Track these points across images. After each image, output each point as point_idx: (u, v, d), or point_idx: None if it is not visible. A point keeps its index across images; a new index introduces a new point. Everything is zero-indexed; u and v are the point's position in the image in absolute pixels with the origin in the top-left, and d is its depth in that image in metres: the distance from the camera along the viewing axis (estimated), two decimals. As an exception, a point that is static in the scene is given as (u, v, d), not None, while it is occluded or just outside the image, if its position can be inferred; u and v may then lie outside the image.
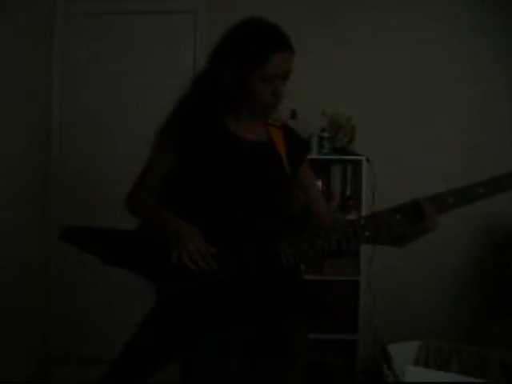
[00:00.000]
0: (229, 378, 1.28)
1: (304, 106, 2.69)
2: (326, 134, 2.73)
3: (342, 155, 2.73)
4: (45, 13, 3.03)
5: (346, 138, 2.74)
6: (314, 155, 2.66)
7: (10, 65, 3.07)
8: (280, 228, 1.27)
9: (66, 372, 2.92)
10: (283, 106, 1.40)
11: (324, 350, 2.81)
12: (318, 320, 1.33)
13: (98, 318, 3.03)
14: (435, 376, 2.04)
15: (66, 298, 3.06)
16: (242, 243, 1.25)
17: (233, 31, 1.34)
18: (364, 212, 2.68)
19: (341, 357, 2.83)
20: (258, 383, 1.36)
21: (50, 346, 3.04)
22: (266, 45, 1.27)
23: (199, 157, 1.34)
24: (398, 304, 2.87)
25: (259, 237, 1.26)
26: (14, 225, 3.02)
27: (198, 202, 1.33)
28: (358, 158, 2.72)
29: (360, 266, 2.70)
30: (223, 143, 1.36)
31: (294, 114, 2.70)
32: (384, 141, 2.88)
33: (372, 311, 2.79)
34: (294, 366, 1.40)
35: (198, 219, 1.27)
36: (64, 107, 3.08)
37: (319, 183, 2.70)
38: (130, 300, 2.60)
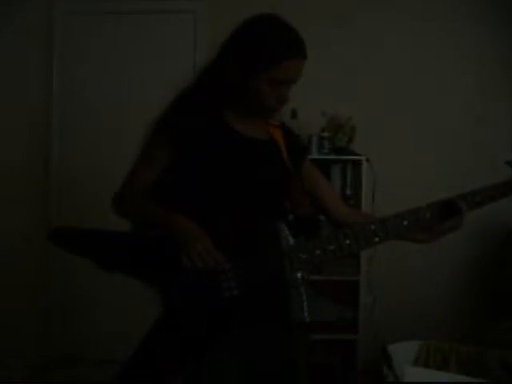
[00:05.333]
0: (229, 379, 1.27)
1: (304, 106, 2.69)
2: (325, 134, 2.73)
3: (342, 155, 2.73)
4: (45, 13, 3.03)
5: (346, 138, 2.74)
6: (314, 155, 2.66)
7: (10, 65, 3.07)
8: (287, 230, 1.27)
9: (65, 372, 2.91)
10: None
11: (324, 350, 2.81)
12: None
13: (98, 319, 3.03)
14: (435, 376, 2.04)
15: (65, 298, 3.06)
16: (249, 245, 1.24)
17: (249, 27, 1.29)
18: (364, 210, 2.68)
19: (341, 357, 2.83)
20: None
21: (50, 346, 3.04)
22: (282, 49, 1.23)
23: (199, 152, 1.29)
24: (398, 304, 2.87)
25: (263, 238, 1.25)
26: (14, 225, 3.03)
27: (198, 201, 1.29)
28: (358, 158, 2.72)
29: (360, 266, 2.70)
30: (225, 139, 1.31)
31: (294, 114, 2.70)
32: (384, 141, 2.88)
33: (372, 311, 2.79)
34: (294, 367, 1.40)
35: (199, 219, 1.23)
36: (64, 107, 3.07)
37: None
38: (130, 301, 2.60)
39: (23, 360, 2.89)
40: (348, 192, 2.80)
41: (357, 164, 2.75)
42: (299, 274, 1.25)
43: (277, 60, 1.23)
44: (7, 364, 2.75)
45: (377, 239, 1.25)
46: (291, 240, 1.26)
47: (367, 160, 2.71)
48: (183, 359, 1.25)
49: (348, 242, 1.24)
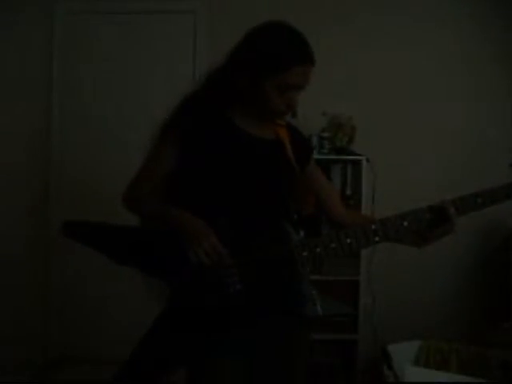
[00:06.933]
0: (229, 379, 1.28)
1: (304, 106, 2.68)
2: (326, 134, 2.73)
3: (342, 155, 2.73)
4: (45, 13, 3.03)
5: (346, 138, 2.74)
6: (314, 155, 2.66)
7: (10, 65, 3.07)
8: (291, 229, 1.29)
9: (66, 372, 2.91)
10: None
11: (324, 350, 2.81)
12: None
13: (98, 319, 3.03)
14: (435, 376, 2.04)
15: (66, 298, 3.06)
16: (254, 243, 1.26)
17: (258, 34, 1.31)
18: (363, 211, 2.68)
19: (341, 357, 2.83)
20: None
21: (50, 346, 3.04)
22: (291, 55, 1.26)
23: (206, 151, 1.31)
24: (398, 304, 2.87)
25: (270, 236, 1.27)
26: (14, 225, 3.02)
27: (206, 200, 1.31)
28: (358, 158, 2.72)
29: (360, 266, 2.69)
30: (232, 138, 1.34)
31: (294, 114, 2.69)
32: (384, 141, 2.88)
33: (372, 311, 2.79)
34: (294, 367, 1.40)
35: (207, 217, 1.25)
36: (64, 107, 3.07)
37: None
38: (131, 301, 2.61)
39: (24, 360, 2.89)
40: (348, 192, 2.80)
41: (357, 164, 2.75)
42: (308, 269, 1.27)
43: (286, 66, 1.25)
44: (8, 364, 2.75)
45: (377, 238, 1.27)
46: (295, 238, 1.27)
47: (367, 160, 2.71)
48: (183, 357, 1.26)
49: (349, 240, 1.26)
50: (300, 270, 1.26)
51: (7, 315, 2.94)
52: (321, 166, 1.58)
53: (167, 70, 2.99)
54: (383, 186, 2.71)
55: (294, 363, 1.39)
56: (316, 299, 1.28)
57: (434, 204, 1.29)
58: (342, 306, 2.75)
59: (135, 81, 3.05)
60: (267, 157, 1.36)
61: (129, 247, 1.31)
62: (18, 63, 3.06)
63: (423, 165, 2.90)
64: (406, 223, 1.28)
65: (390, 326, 2.75)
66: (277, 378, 1.36)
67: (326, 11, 2.94)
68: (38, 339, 3.02)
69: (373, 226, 1.27)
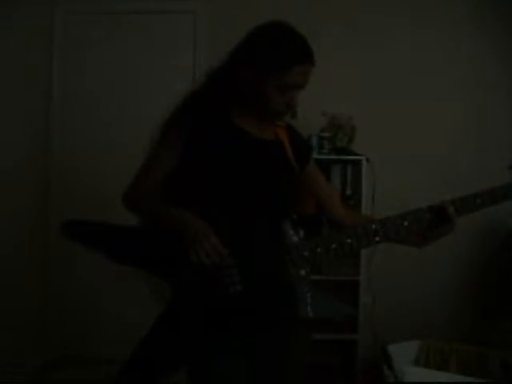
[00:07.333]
0: (229, 378, 1.28)
1: (304, 106, 2.68)
2: (326, 134, 2.73)
3: (342, 155, 2.73)
4: (45, 13, 3.03)
5: (346, 138, 2.74)
6: (314, 155, 2.66)
7: (10, 65, 3.07)
8: (291, 229, 1.29)
9: (66, 372, 2.91)
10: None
11: (324, 350, 2.81)
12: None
13: (98, 319, 3.03)
14: (435, 376, 2.04)
15: (65, 298, 3.06)
16: (253, 243, 1.26)
17: (259, 33, 1.32)
18: (363, 211, 2.68)
19: (341, 357, 2.83)
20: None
21: (50, 347, 3.04)
22: (290, 56, 1.27)
23: (207, 151, 1.31)
24: (397, 304, 2.87)
25: (270, 236, 1.27)
26: (14, 225, 3.03)
27: (207, 200, 1.31)
28: (358, 158, 2.72)
29: (360, 265, 2.70)
30: (233, 139, 1.34)
31: (294, 114, 2.69)
32: (384, 141, 2.88)
33: (372, 311, 2.79)
34: (293, 366, 1.40)
35: (208, 217, 1.25)
36: (64, 108, 3.07)
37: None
38: (130, 301, 2.61)
39: (23, 360, 2.89)
40: (348, 192, 2.80)
41: (357, 164, 2.75)
42: (303, 271, 1.26)
43: (286, 66, 1.26)
44: (7, 364, 2.75)
45: (377, 238, 1.28)
46: (295, 238, 1.28)
47: (367, 160, 2.71)
48: (183, 357, 1.27)
49: (349, 240, 1.27)
50: (299, 270, 1.27)
51: (7, 315, 2.94)
52: (321, 166, 1.58)
53: (167, 70, 2.99)
54: (383, 186, 2.71)
55: (293, 363, 1.40)
56: (308, 300, 1.28)
57: (433, 204, 1.30)
58: (342, 305, 2.76)
59: (135, 81, 3.04)
60: (267, 157, 1.37)
61: (129, 247, 1.31)
62: (18, 63, 3.06)
63: (423, 165, 2.90)
64: (406, 223, 1.28)
65: (390, 326, 2.75)
66: (276, 377, 1.36)
67: (326, 11, 2.94)
68: (38, 339, 3.02)
69: (373, 226, 1.27)
